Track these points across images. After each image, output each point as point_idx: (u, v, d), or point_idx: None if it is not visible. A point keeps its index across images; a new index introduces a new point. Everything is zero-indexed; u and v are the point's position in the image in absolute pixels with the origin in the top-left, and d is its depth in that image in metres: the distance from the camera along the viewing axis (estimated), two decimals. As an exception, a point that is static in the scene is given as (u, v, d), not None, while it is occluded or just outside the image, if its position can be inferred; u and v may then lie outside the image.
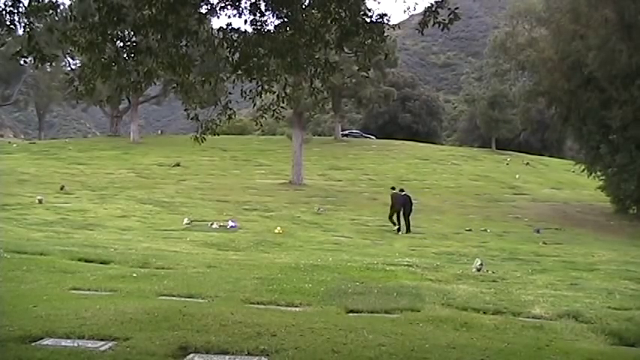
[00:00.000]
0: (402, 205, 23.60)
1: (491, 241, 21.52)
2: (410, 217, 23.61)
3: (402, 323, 6.70)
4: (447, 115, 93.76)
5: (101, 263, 11.03)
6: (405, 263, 12.90)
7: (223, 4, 6.56)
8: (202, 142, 7.06)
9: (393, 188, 25.51)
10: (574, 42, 33.21)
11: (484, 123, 65.18)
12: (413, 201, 24.30)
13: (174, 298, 7.78)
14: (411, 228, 23.51)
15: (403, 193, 24.48)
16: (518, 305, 8.17)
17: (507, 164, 53.53)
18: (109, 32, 6.12)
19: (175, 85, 6.99)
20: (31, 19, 6.02)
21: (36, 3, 5.94)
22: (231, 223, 22.07)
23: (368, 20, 6.45)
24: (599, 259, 15.94)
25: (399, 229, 23.18)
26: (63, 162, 42.80)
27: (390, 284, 9.43)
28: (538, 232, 24.98)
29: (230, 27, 6.67)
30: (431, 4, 6.11)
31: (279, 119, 7.89)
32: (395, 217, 23.71)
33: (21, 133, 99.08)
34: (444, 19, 6.16)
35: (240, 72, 6.58)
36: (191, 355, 4.97)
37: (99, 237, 17.31)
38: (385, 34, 6.61)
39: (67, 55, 47.17)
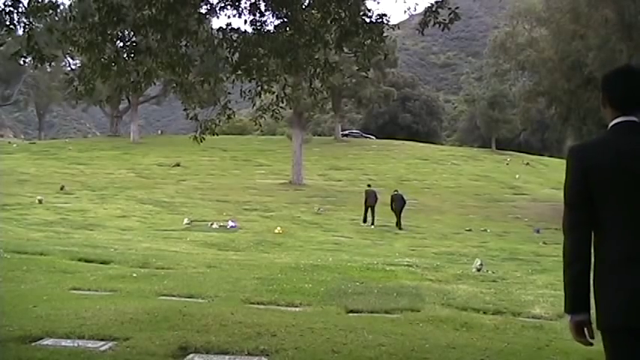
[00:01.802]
0: (402, 205, 25.27)
1: (491, 241, 21.53)
2: (401, 215, 25.11)
3: (402, 323, 6.70)
4: (447, 115, 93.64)
5: (101, 263, 11.03)
6: (405, 263, 12.90)
7: (223, 4, 6.57)
8: (201, 142, 7.06)
9: (369, 186, 27.64)
10: (574, 42, 33.23)
11: (484, 123, 65.14)
12: (408, 200, 26.31)
13: (174, 298, 7.77)
14: (407, 227, 24.61)
15: (396, 192, 26.19)
16: (518, 305, 8.16)
17: (507, 164, 53.49)
18: (108, 32, 6.12)
19: (175, 85, 6.98)
20: (31, 19, 6.02)
21: (36, 3, 5.94)
22: (231, 223, 22.07)
23: (367, 20, 6.45)
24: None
25: (365, 220, 25.34)
26: (63, 162, 42.79)
27: (390, 284, 9.42)
28: (538, 232, 24.99)
29: (230, 27, 6.67)
30: (431, 4, 6.11)
31: (279, 119, 7.89)
32: (368, 212, 25.55)
33: (21, 133, 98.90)
34: (444, 19, 6.16)
35: (239, 72, 6.58)
36: (191, 355, 4.96)
37: (99, 237, 17.31)
38: (385, 35, 6.61)
39: (66, 55, 47.10)
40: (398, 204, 25.10)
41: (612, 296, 2.53)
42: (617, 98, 2.62)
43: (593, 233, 2.57)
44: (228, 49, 6.50)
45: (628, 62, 29.97)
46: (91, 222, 21.36)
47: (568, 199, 2.64)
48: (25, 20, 5.95)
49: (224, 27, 6.70)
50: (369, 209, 25.34)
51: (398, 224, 24.69)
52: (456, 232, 24.21)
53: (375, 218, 25.17)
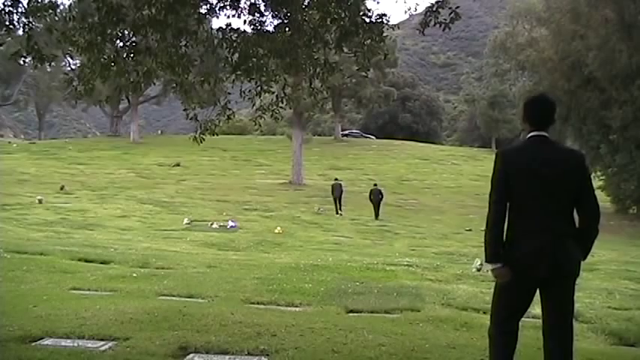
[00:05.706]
0: (340, 193, 28.47)
1: (491, 241, 21.49)
2: (379, 207, 27.65)
3: (402, 323, 6.69)
4: (447, 115, 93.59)
5: (101, 263, 11.02)
6: (405, 263, 12.88)
7: (223, 5, 6.56)
8: (201, 142, 7.05)
9: (336, 179, 30.18)
10: (574, 42, 33.26)
11: (484, 123, 65.23)
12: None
13: (174, 298, 7.76)
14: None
15: (375, 186, 28.83)
16: (518, 305, 8.14)
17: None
18: (108, 32, 6.11)
19: (175, 85, 6.96)
20: (31, 19, 6.01)
21: (36, 3, 5.94)
22: (231, 223, 22.06)
23: (367, 20, 6.44)
24: (599, 259, 15.90)
25: (337, 212, 27.77)
26: (63, 162, 42.81)
27: (390, 284, 9.41)
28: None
29: (229, 27, 6.66)
30: (431, 4, 6.11)
31: (279, 119, 7.88)
32: (336, 203, 28.30)
33: (21, 133, 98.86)
34: (445, 19, 6.16)
35: (239, 72, 6.57)
36: (191, 355, 4.96)
37: (99, 237, 17.31)
38: (385, 34, 6.60)
39: (66, 55, 47.12)
40: (376, 197, 27.76)
41: (519, 254, 3.55)
42: (532, 118, 3.68)
43: (510, 212, 3.59)
44: (228, 49, 6.49)
45: (628, 62, 30.03)
46: (91, 222, 21.35)
47: (494, 186, 3.63)
48: (24, 20, 5.94)
49: (224, 27, 6.70)
50: (336, 200, 28.22)
51: (376, 215, 27.07)
52: (456, 232, 24.19)
53: (342, 208, 28.04)
